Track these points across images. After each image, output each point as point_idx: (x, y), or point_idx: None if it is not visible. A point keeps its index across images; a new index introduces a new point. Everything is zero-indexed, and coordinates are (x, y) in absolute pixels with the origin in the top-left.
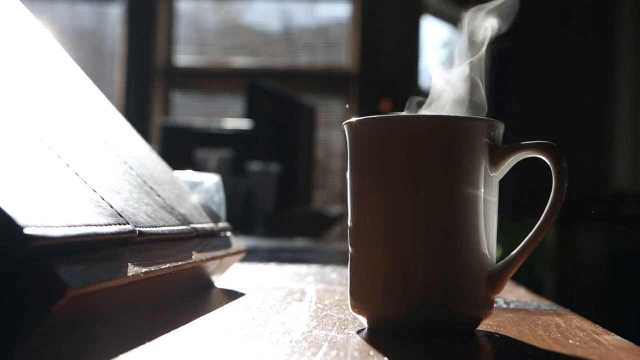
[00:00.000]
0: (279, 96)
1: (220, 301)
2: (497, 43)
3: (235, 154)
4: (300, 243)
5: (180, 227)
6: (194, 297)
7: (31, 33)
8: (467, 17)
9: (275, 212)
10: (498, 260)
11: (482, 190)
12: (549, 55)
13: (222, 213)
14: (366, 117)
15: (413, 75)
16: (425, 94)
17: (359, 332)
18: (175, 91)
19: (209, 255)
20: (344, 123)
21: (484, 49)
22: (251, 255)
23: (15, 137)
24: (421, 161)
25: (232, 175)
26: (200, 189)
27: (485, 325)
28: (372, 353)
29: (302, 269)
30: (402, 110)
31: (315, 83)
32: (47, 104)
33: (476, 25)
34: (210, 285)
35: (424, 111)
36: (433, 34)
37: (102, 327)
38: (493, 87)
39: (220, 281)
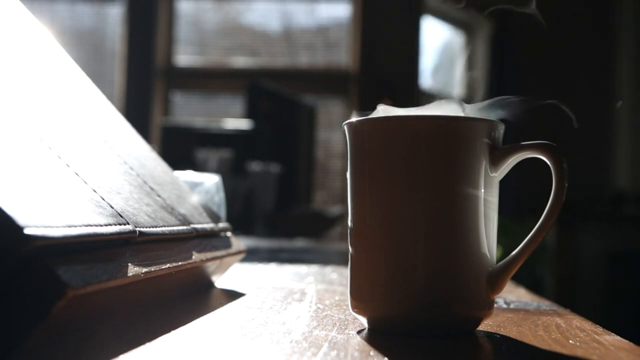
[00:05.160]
0: (279, 96)
1: (220, 301)
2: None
3: (235, 154)
4: (300, 243)
5: (180, 227)
6: (194, 297)
7: (31, 33)
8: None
9: (275, 212)
10: (498, 260)
11: (482, 190)
12: (549, 55)
13: (222, 213)
14: (366, 117)
15: (413, 75)
16: (425, 94)
17: (359, 332)
18: (175, 91)
19: (209, 255)
20: (343, 123)
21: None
22: (251, 255)
23: (15, 137)
24: (421, 161)
25: (232, 175)
26: (200, 189)
27: (485, 325)
28: (372, 353)
29: (302, 269)
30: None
31: (315, 83)
32: (47, 104)
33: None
34: (210, 285)
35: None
36: (433, 34)
37: (102, 327)
38: (493, 87)
39: (220, 281)
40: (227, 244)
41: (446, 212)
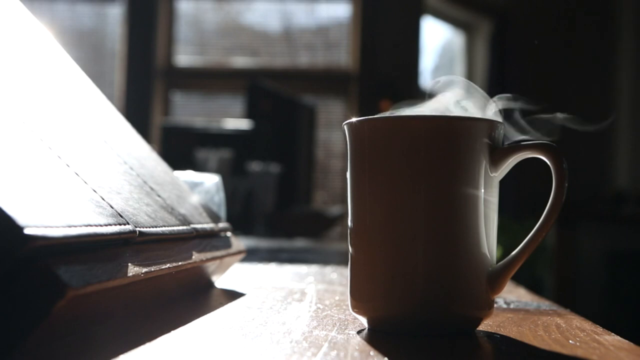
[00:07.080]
0: (279, 96)
1: (220, 301)
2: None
3: (235, 154)
4: (300, 243)
5: (180, 227)
6: (194, 297)
7: (31, 33)
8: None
9: (275, 212)
10: (498, 260)
11: (482, 190)
12: (549, 55)
13: (222, 213)
14: (366, 117)
15: (413, 75)
16: (425, 95)
17: (359, 332)
18: (175, 91)
19: (209, 255)
20: (344, 123)
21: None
22: (251, 255)
23: (15, 137)
24: (421, 161)
25: (232, 175)
26: (200, 189)
27: (485, 325)
28: (372, 353)
29: (302, 269)
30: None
31: (315, 83)
32: (47, 104)
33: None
34: (210, 285)
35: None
36: (433, 34)
37: (102, 327)
38: (493, 87)
39: (220, 281)
40: (227, 244)
41: (446, 212)
